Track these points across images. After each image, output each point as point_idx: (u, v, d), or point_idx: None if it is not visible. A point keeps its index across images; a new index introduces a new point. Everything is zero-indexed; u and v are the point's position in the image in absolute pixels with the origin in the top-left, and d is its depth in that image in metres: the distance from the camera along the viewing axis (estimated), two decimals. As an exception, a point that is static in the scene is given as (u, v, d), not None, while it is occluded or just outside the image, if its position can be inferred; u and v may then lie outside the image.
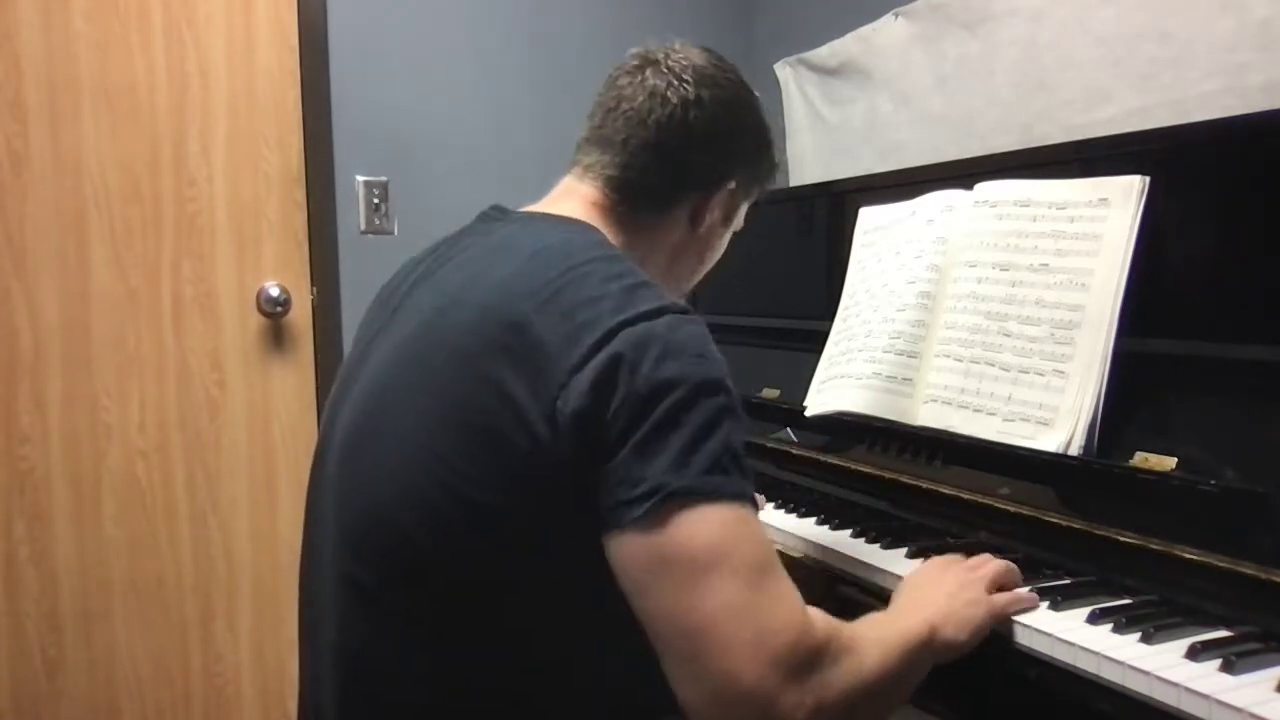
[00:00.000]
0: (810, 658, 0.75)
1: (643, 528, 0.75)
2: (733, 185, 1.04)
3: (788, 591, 0.77)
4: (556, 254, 0.87)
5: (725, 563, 0.74)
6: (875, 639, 0.82)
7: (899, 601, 0.95)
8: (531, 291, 0.83)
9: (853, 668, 0.78)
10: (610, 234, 0.96)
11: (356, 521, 0.89)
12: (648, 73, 0.99)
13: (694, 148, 0.99)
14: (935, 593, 0.93)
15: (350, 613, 0.89)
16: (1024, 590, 0.96)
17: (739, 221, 1.11)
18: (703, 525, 0.75)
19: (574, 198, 1.00)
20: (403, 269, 1.05)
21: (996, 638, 0.94)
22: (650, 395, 0.76)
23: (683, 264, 1.07)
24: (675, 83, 0.98)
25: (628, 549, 0.77)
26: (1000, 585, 0.96)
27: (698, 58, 1.02)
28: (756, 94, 1.06)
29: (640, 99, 0.98)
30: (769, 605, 0.75)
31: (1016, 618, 0.92)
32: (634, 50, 1.03)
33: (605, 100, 1.01)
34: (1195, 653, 0.82)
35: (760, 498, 1.06)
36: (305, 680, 0.98)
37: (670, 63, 1.00)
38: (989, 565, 0.97)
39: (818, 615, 0.78)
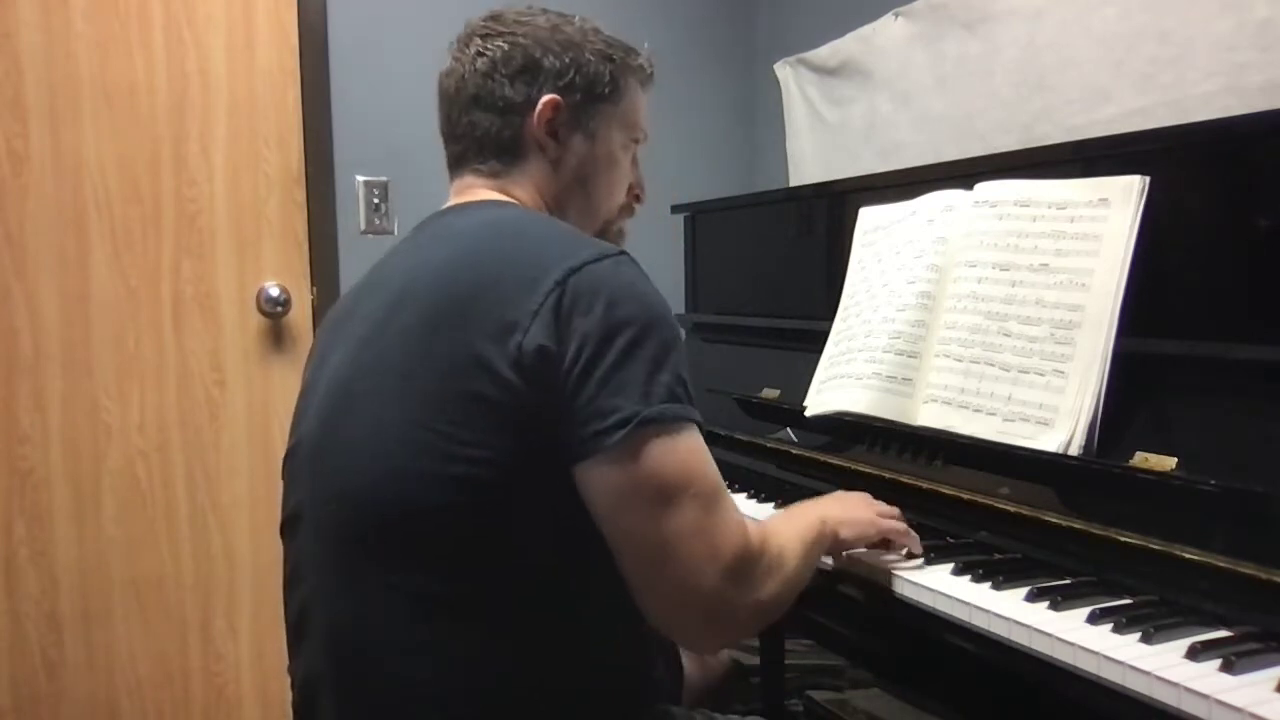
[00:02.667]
0: (751, 565, 0.89)
1: (617, 455, 0.83)
2: (555, 100, 1.01)
3: (733, 510, 0.89)
4: (489, 226, 0.95)
5: (688, 488, 0.85)
6: (788, 538, 0.96)
7: (799, 506, 1.10)
8: (475, 261, 0.89)
9: (779, 567, 0.92)
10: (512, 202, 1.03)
11: (341, 511, 0.90)
12: (448, 66, 1.06)
13: (490, 89, 1.02)
14: (830, 503, 1.10)
15: (343, 604, 0.90)
16: (903, 523, 1.11)
17: (620, 124, 1.08)
18: (670, 452, 0.84)
19: (466, 189, 1.05)
20: (346, 294, 1.08)
21: (996, 637, 0.94)
22: (606, 334, 0.83)
23: (569, 196, 1.06)
24: (459, 54, 1.04)
25: (602, 476, 0.84)
26: (882, 513, 1.11)
27: (478, 25, 1.06)
28: (557, 15, 1.06)
29: (447, 83, 1.05)
30: (720, 524, 0.87)
31: (1018, 619, 0.92)
32: None
33: (438, 108, 1.08)
34: (1195, 653, 0.82)
35: (751, 502, 1.09)
36: (298, 686, 1.00)
37: (455, 46, 1.06)
38: (884, 505, 1.13)
39: (750, 525, 0.91)
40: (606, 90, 1.05)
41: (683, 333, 0.90)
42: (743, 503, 1.39)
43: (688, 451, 0.86)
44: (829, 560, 1.09)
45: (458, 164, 1.06)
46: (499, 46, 1.02)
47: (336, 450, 0.91)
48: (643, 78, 1.10)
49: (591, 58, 1.04)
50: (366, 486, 0.87)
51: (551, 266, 0.85)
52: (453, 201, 1.05)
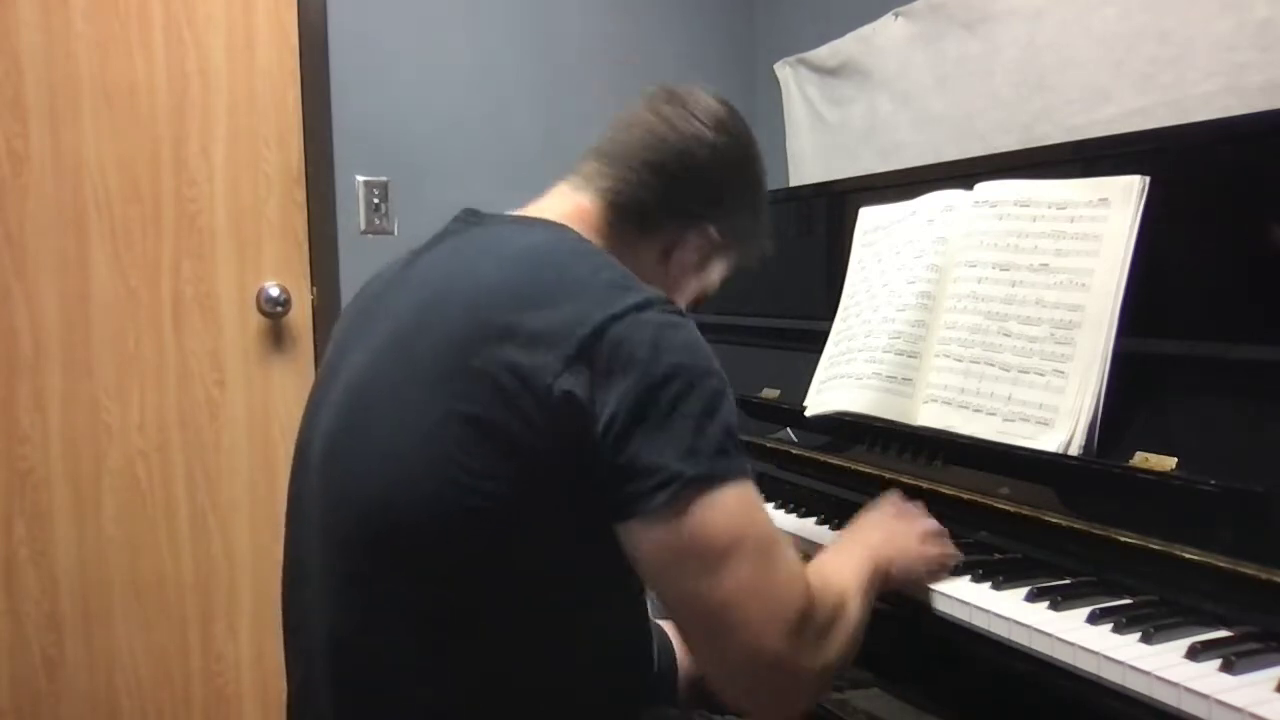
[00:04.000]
0: (816, 621, 0.84)
1: (663, 517, 0.79)
2: (713, 231, 1.04)
3: (793, 563, 0.85)
4: (539, 253, 0.90)
5: (741, 546, 0.80)
6: (849, 587, 0.92)
7: (846, 542, 1.04)
8: (517, 289, 0.85)
9: (845, 620, 0.88)
10: (590, 238, 0.99)
11: (349, 517, 0.89)
12: (666, 105, 1.03)
13: (688, 179, 1.01)
14: (875, 534, 1.05)
15: (344, 609, 0.90)
16: (950, 548, 1.07)
17: (710, 280, 1.11)
18: (719, 511, 0.80)
19: (563, 201, 1.01)
20: (372, 280, 1.07)
21: (996, 637, 0.94)
22: (650, 387, 0.79)
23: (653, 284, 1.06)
24: (690, 117, 1.02)
25: (648, 537, 0.81)
26: (928, 539, 1.07)
27: (717, 106, 1.06)
28: (761, 162, 1.10)
29: (652, 122, 1.02)
30: (780, 581, 0.82)
31: (1018, 619, 0.92)
32: (659, 85, 1.07)
33: (618, 119, 1.05)
34: (1195, 653, 0.82)
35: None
36: (295, 685, 0.99)
37: (690, 100, 1.04)
38: (921, 521, 1.09)
39: (811, 576, 0.86)
40: (736, 257, 1.10)
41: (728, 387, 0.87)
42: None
43: (738, 507, 0.81)
44: None
45: (588, 181, 1.02)
46: (717, 151, 1.02)
47: (350, 457, 0.90)
48: (752, 262, 1.14)
49: (753, 219, 1.09)
50: (376, 496, 0.86)
51: (593, 311, 0.82)
52: (528, 209, 1.02)
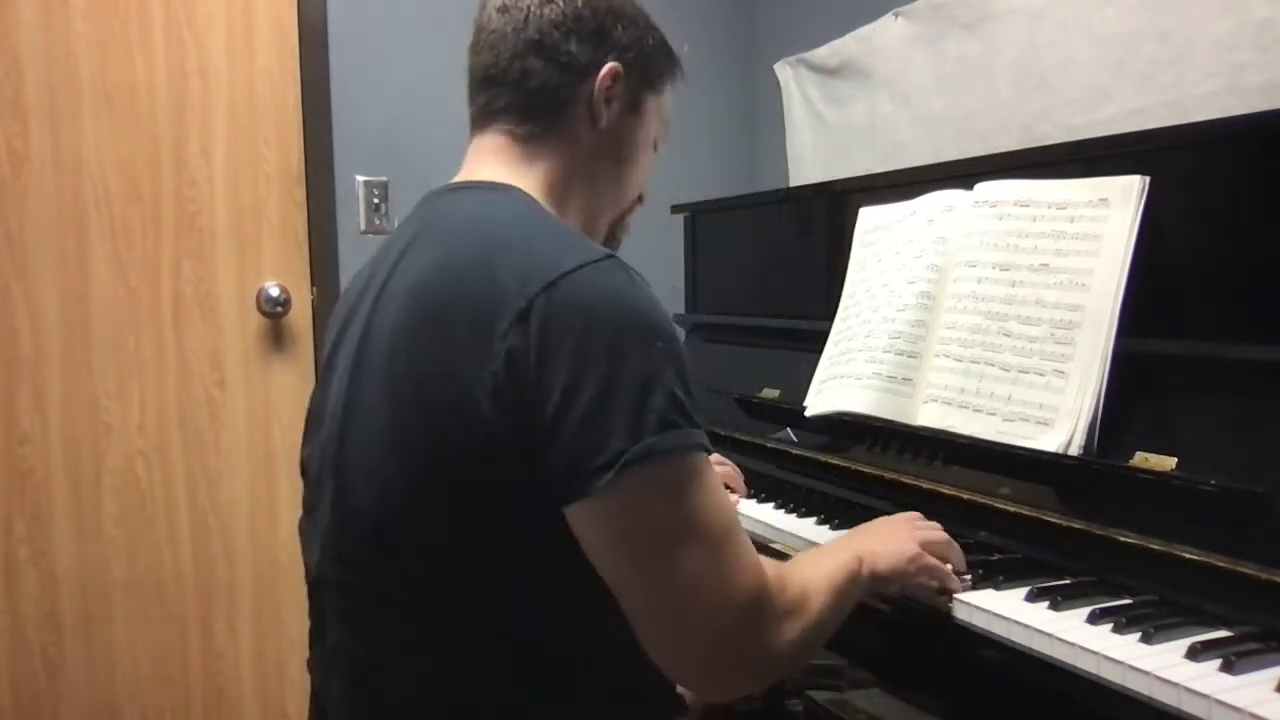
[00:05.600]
0: (766, 609, 0.81)
1: (604, 500, 0.75)
2: (618, 68, 0.96)
3: (746, 549, 0.81)
4: (475, 227, 0.87)
5: (690, 531, 0.78)
6: (814, 580, 0.88)
7: (837, 541, 1.03)
8: (451, 275, 0.83)
9: (800, 611, 0.85)
10: (529, 177, 0.95)
11: (341, 527, 0.88)
12: (497, 9, 0.97)
13: (556, 40, 0.95)
14: (868, 535, 1.02)
15: (344, 616, 0.89)
16: (950, 565, 1.03)
17: (656, 116, 1.04)
18: (664, 493, 0.77)
19: (485, 154, 0.97)
20: (355, 280, 1.05)
21: (996, 637, 0.94)
22: (586, 357, 0.75)
23: (602, 173, 1.00)
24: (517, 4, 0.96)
25: (590, 520, 0.78)
26: (938, 554, 1.02)
27: None
28: None
29: (495, 22, 0.96)
30: (733, 566, 0.79)
31: (1018, 619, 0.92)
32: None
33: (471, 44, 0.99)
34: (1195, 653, 0.82)
35: (750, 502, 1.00)
36: (316, 683, 0.97)
37: None
38: (931, 529, 1.05)
39: (769, 566, 0.84)
40: (657, 79, 1.02)
41: (681, 337, 0.82)
42: (743, 504, 1.39)
43: (688, 489, 0.78)
44: None
45: (488, 118, 0.97)
46: (571, 2, 0.95)
47: (341, 466, 0.88)
48: (676, 80, 1.07)
49: (652, 42, 1.01)
50: (361, 510, 0.85)
51: (528, 280, 0.78)
52: (463, 175, 0.98)
